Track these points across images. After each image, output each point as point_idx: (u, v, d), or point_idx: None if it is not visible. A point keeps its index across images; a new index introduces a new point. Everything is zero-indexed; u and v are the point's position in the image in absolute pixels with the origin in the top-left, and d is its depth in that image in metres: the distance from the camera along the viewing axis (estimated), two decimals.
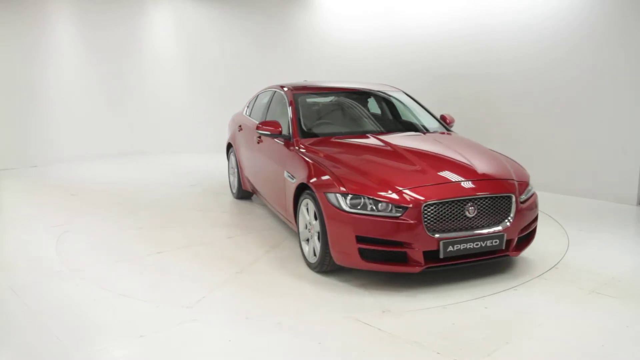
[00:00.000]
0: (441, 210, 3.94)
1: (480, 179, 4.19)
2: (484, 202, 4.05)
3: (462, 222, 3.99)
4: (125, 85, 10.24)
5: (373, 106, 5.96)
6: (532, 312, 3.73)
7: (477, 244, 4.01)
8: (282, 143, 5.15)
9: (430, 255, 3.94)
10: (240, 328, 3.51)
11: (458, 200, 3.98)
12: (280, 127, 5.18)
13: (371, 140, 4.92)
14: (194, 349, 3.25)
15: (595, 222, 5.89)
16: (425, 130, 5.44)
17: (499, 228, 4.09)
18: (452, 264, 4.02)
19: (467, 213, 3.98)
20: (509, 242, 4.17)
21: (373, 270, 4.13)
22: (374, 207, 3.92)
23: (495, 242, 4.07)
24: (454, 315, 3.68)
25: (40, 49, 9.20)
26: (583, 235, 5.40)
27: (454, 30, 8.06)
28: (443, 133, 5.42)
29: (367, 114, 5.71)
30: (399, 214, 3.88)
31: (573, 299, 3.94)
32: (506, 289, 4.10)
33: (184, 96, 10.82)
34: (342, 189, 4.02)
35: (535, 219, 4.49)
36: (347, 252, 4.00)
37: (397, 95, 5.99)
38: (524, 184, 4.38)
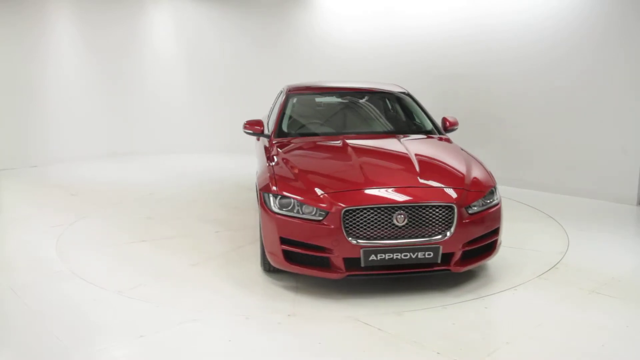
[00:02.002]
0: (365, 217, 3.75)
1: (418, 187, 3.97)
2: (417, 211, 3.79)
3: (390, 230, 3.76)
4: (125, 85, 10.24)
5: (369, 107, 5.86)
6: (532, 312, 3.73)
7: (406, 255, 3.75)
8: (266, 142, 5.21)
9: (353, 263, 3.79)
10: (240, 328, 3.51)
11: (384, 207, 3.76)
12: (262, 127, 5.27)
13: (338, 143, 4.81)
14: (194, 349, 3.25)
15: (595, 222, 5.89)
16: (410, 134, 5.22)
17: (434, 239, 3.79)
18: (377, 274, 3.84)
19: (395, 221, 3.76)
20: (448, 255, 3.86)
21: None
22: (300, 210, 3.86)
23: (429, 254, 3.78)
24: (454, 315, 3.68)
25: (40, 49, 9.19)
26: (583, 235, 5.40)
27: (454, 30, 8.05)
28: (431, 137, 5.16)
29: (358, 115, 5.65)
30: (321, 218, 3.79)
31: (573, 299, 3.94)
32: (506, 289, 4.10)
33: (184, 96, 10.81)
34: (274, 189, 4.03)
35: (496, 231, 4.12)
36: (274, 253, 3.98)
37: (398, 96, 5.86)
38: (479, 194, 4.03)
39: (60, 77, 9.47)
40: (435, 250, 3.79)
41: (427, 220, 3.80)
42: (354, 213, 3.76)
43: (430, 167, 4.32)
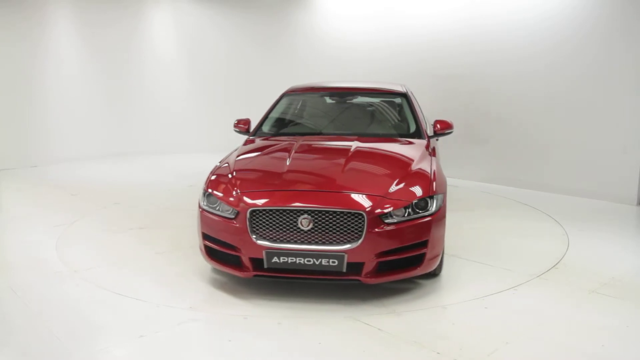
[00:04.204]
0: (270, 219, 3.74)
1: (332, 191, 3.86)
2: (323, 217, 3.69)
3: (296, 234, 3.71)
4: (125, 85, 10.24)
5: (358, 109, 5.76)
6: (532, 312, 3.73)
7: (309, 261, 3.67)
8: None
9: (260, 264, 3.80)
10: (240, 328, 3.51)
11: (290, 210, 3.71)
12: (247, 125, 5.45)
13: (292, 143, 4.79)
14: (194, 349, 3.25)
15: (595, 222, 5.89)
16: (389, 136, 5.07)
17: (339, 247, 3.67)
18: (282, 277, 3.81)
19: (300, 225, 3.70)
20: (359, 265, 3.72)
21: None
22: (220, 208, 3.96)
23: (333, 262, 3.66)
24: (454, 315, 3.68)
25: (40, 49, 9.20)
26: (583, 235, 5.40)
27: (455, 30, 8.06)
28: (410, 141, 4.89)
29: (342, 117, 5.58)
30: (233, 217, 3.86)
31: (573, 299, 3.94)
32: (506, 289, 4.10)
33: (184, 96, 10.82)
34: (204, 187, 4.20)
35: (424, 244, 3.83)
36: (200, 248, 4.18)
37: (392, 97, 5.71)
38: (401, 203, 3.79)
39: (60, 77, 9.48)
40: (340, 258, 3.65)
41: (334, 227, 3.69)
42: (260, 214, 3.77)
43: (359, 173, 4.21)
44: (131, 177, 8.45)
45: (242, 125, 5.47)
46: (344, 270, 3.70)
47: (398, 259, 3.80)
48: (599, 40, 6.75)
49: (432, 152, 4.75)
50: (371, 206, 3.72)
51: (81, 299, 3.95)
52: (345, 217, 3.68)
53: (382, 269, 3.79)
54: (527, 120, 7.52)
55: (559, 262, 4.68)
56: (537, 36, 7.26)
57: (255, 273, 3.83)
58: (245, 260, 3.83)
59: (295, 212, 3.71)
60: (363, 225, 3.67)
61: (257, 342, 3.33)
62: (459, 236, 5.40)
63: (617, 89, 6.67)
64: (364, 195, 3.81)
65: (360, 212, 3.67)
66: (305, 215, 3.69)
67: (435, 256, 3.97)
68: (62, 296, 4.01)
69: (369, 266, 3.72)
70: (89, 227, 5.76)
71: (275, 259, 3.72)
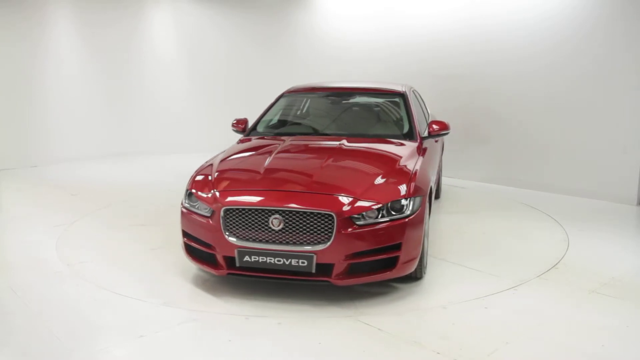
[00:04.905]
0: (243, 218, 3.78)
1: (305, 192, 3.85)
2: (294, 217, 3.69)
3: (267, 234, 3.73)
4: (125, 85, 10.24)
5: (353, 109, 5.72)
6: (532, 312, 3.73)
7: (279, 260, 3.70)
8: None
9: (233, 262, 3.84)
10: (240, 328, 3.51)
11: (261, 210, 3.74)
12: (244, 125, 5.51)
13: (279, 143, 4.81)
14: (194, 349, 3.25)
15: (595, 222, 5.89)
16: (380, 137, 4.98)
17: (309, 248, 3.66)
18: (254, 276, 3.84)
19: (271, 225, 3.72)
20: (327, 266, 3.69)
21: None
22: (199, 206, 4.03)
23: (303, 262, 3.66)
24: (454, 315, 3.68)
25: (40, 49, 9.19)
26: (583, 235, 5.40)
27: (455, 30, 8.06)
28: (401, 143, 4.81)
29: (337, 117, 5.56)
30: (209, 215, 3.92)
31: (573, 299, 3.94)
32: (506, 289, 4.10)
33: (184, 96, 10.82)
34: (188, 185, 4.27)
35: (397, 247, 3.76)
36: (182, 246, 4.26)
37: (390, 98, 5.63)
38: (373, 204, 3.74)
39: (60, 77, 9.47)
40: (309, 259, 3.65)
41: (304, 228, 3.69)
42: (233, 213, 3.81)
43: (336, 174, 4.16)
44: (131, 177, 8.45)
45: (239, 125, 5.53)
46: (313, 271, 3.70)
47: (370, 261, 3.76)
48: (599, 40, 6.75)
49: (423, 154, 4.69)
50: (342, 207, 3.69)
51: (81, 299, 3.96)
52: (315, 218, 3.68)
53: (354, 270, 3.75)
54: (527, 120, 7.52)
55: (559, 262, 4.68)
56: (537, 36, 7.26)
57: (228, 271, 3.89)
58: (220, 258, 3.89)
59: (266, 211, 3.74)
60: (333, 226, 3.65)
61: (257, 342, 3.33)
62: (459, 236, 5.40)
63: (617, 89, 6.67)
64: (336, 196, 3.79)
65: (330, 213, 3.66)
66: (277, 215, 3.71)
67: (411, 259, 3.89)
68: (62, 296, 4.01)
69: (339, 268, 3.70)
70: (88, 227, 5.76)
71: (246, 258, 3.77)
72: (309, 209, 3.68)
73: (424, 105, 6.61)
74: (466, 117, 7.93)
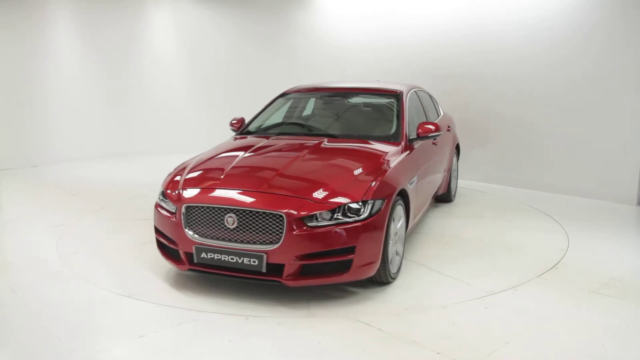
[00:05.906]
0: (201, 215, 3.88)
1: (260, 192, 3.85)
2: (247, 216, 3.74)
3: (223, 232, 3.80)
4: (125, 85, 10.24)
5: (346, 109, 5.67)
6: (532, 312, 3.73)
7: (232, 259, 3.76)
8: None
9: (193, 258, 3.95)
10: (240, 328, 3.51)
11: (217, 208, 3.81)
12: (240, 124, 5.60)
13: (258, 142, 4.86)
14: (194, 349, 3.25)
15: (595, 222, 5.89)
16: (364, 138, 4.89)
17: (260, 248, 3.70)
18: (210, 272, 3.92)
19: (226, 223, 3.78)
20: (277, 266, 3.70)
21: None
22: (167, 203, 4.16)
23: (254, 261, 3.71)
24: (454, 315, 3.68)
25: (40, 49, 9.19)
26: (583, 235, 5.40)
27: (455, 30, 8.06)
28: (384, 144, 4.73)
29: (327, 117, 5.55)
30: (173, 212, 4.04)
31: (573, 299, 3.94)
32: (506, 289, 4.10)
33: (184, 96, 10.82)
34: (163, 183, 4.39)
35: (351, 250, 3.70)
36: (155, 241, 4.36)
37: (388, 98, 5.52)
38: (325, 206, 3.70)
39: (60, 77, 9.48)
40: (259, 258, 3.70)
41: (256, 227, 3.73)
42: (193, 210, 3.92)
43: (297, 174, 4.14)
44: (131, 177, 8.45)
45: (236, 124, 5.62)
46: (264, 270, 3.74)
47: (323, 263, 3.72)
48: (599, 40, 6.75)
49: (405, 156, 4.60)
50: (293, 208, 3.69)
51: (81, 299, 3.96)
52: (266, 218, 3.72)
53: (306, 272, 3.74)
54: (527, 120, 7.52)
55: (559, 262, 4.68)
56: (537, 36, 7.26)
57: (189, 267, 3.99)
58: (182, 254, 3.99)
59: (222, 210, 3.82)
60: (283, 227, 3.67)
61: (257, 342, 3.33)
62: (459, 235, 5.40)
63: (617, 89, 6.67)
64: (289, 197, 3.78)
65: (280, 213, 3.67)
66: (231, 214, 3.78)
67: (369, 263, 3.81)
68: (62, 296, 4.01)
69: (291, 268, 3.69)
70: (89, 227, 5.76)
71: (203, 255, 3.86)
72: (260, 209, 3.73)
73: (436, 105, 6.57)
74: (466, 117, 7.92)
